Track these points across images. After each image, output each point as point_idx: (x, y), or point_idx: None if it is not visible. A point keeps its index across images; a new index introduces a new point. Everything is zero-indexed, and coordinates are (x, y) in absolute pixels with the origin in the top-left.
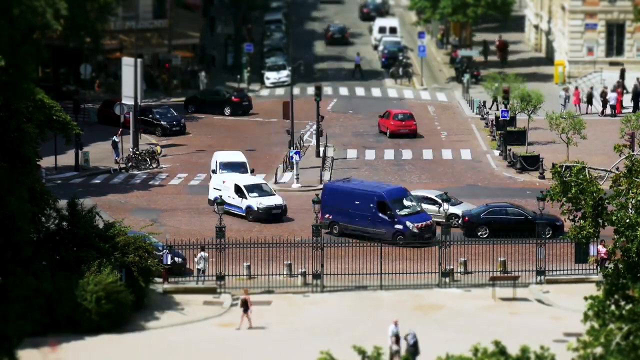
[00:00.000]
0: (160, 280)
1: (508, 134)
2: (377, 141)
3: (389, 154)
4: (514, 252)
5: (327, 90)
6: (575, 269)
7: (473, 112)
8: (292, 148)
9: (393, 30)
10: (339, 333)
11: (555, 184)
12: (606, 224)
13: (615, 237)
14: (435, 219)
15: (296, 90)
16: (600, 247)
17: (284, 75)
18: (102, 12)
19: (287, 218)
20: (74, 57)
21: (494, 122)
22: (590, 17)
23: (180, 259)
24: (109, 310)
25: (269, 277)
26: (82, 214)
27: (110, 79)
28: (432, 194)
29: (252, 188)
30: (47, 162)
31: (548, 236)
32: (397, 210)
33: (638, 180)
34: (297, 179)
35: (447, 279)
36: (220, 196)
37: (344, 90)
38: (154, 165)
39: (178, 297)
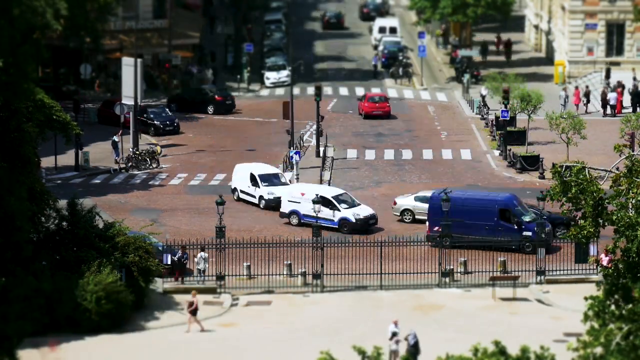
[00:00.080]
0: (171, 279)
1: (508, 134)
2: (377, 141)
3: (389, 154)
4: (514, 252)
5: (327, 90)
6: (575, 269)
7: (473, 112)
8: (292, 148)
9: (393, 30)
10: (339, 333)
11: (555, 184)
12: (606, 223)
13: (615, 236)
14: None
15: (296, 90)
16: (602, 255)
17: (284, 75)
18: (102, 12)
19: (376, 228)
20: (74, 57)
21: (494, 122)
22: (590, 17)
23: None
24: (109, 310)
25: (269, 277)
26: (82, 214)
27: (110, 79)
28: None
29: (340, 199)
30: (47, 162)
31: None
32: (522, 217)
33: (638, 180)
34: (297, 179)
35: (447, 279)
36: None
37: (344, 90)
38: (154, 165)
39: (178, 297)
